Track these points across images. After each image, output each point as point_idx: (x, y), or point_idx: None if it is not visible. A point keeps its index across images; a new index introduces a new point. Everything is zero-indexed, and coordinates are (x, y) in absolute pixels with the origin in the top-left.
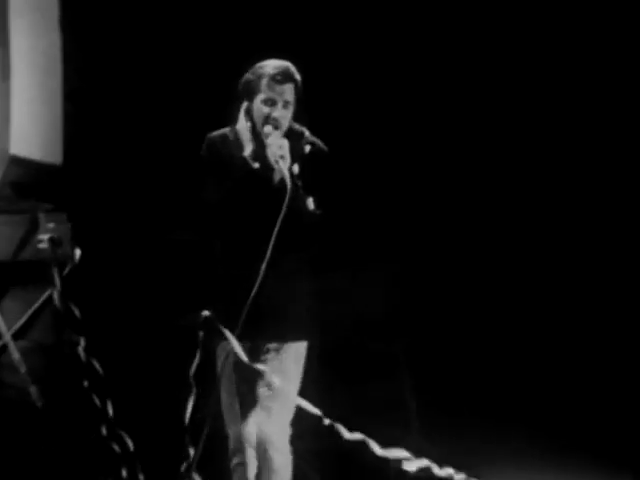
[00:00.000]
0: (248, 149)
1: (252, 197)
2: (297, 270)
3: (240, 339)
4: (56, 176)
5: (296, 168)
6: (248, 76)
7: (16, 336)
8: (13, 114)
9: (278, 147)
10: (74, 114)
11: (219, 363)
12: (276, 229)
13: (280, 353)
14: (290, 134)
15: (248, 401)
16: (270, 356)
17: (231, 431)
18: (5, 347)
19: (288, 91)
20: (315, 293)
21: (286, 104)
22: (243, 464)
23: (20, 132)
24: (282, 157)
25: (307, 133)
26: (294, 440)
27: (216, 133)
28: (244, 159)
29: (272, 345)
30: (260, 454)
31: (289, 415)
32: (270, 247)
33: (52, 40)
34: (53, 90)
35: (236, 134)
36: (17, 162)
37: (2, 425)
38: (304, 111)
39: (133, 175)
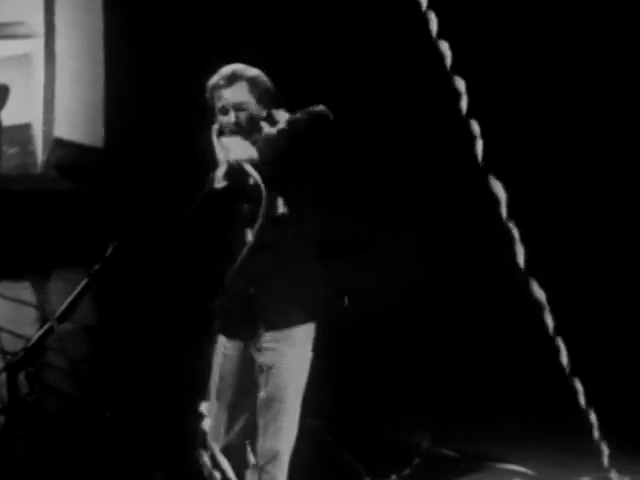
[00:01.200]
0: (222, 168)
1: (219, 214)
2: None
3: (234, 337)
4: (98, 158)
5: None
6: (206, 94)
7: (60, 318)
8: (57, 98)
9: (241, 151)
10: (117, 97)
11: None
12: (256, 226)
13: (279, 344)
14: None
15: (240, 410)
16: (269, 350)
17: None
18: (51, 329)
19: (237, 91)
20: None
21: (238, 107)
22: (215, 460)
23: (64, 115)
24: (248, 159)
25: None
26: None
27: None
28: (212, 178)
29: (269, 335)
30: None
31: (294, 424)
32: (250, 241)
33: (95, 24)
34: (96, 74)
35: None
36: (61, 144)
37: (47, 408)
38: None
39: (170, 160)
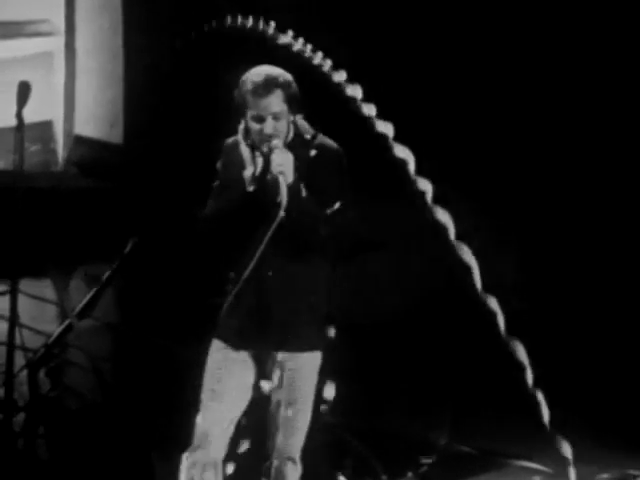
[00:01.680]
0: (249, 170)
1: (246, 219)
2: (308, 275)
3: (244, 347)
4: (118, 155)
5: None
6: (235, 93)
7: (80, 315)
8: (78, 95)
9: (278, 164)
10: (136, 95)
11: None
12: (266, 238)
13: (291, 364)
14: (295, 140)
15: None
16: (280, 369)
17: (201, 423)
18: (71, 326)
19: (274, 102)
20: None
21: (275, 116)
22: (200, 465)
23: (84, 113)
24: (281, 173)
25: (311, 136)
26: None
27: (230, 140)
28: (242, 180)
29: (281, 355)
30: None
31: (303, 434)
32: (257, 254)
33: (115, 22)
34: (116, 71)
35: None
36: (81, 141)
37: (70, 405)
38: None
39: (189, 157)
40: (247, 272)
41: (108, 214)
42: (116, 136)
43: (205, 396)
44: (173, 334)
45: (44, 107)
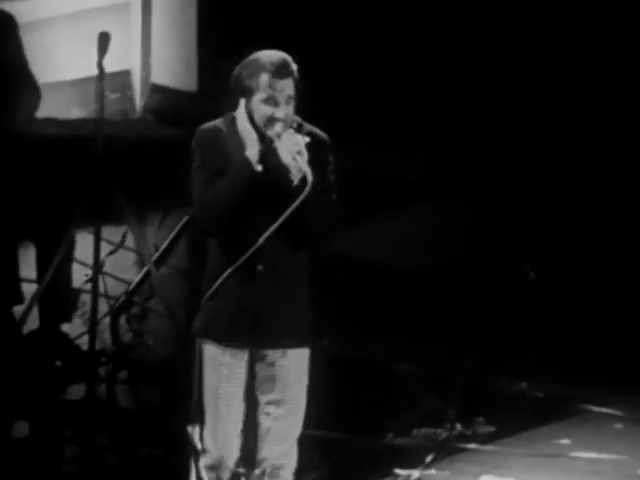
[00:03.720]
0: (253, 150)
1: (255, 200)
2: (297, 271)
3: (239, 346)
4: (193, 102)
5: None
6: (242, 72)
7: (157, 262)
8: (153, 44)
9: (293, 144)
10: (210, 42)
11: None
12: (283, 216)
13: (284, 362)
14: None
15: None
16: (273, 366)
17: (214, 447)
18: (149, 274)
19: (290, 85)
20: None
21: (288, 100)
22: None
23: (159, 62)
24: (299, 153)
25: (304, 124)
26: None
27: (207, 126)
28: (246, 161)
29: (275, 353)
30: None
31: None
32: (271, 230)
33: None
34: (189, 21)
35: (232, 131)
36: (157, 90)
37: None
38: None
39: None
40: (241, 260)
41: (184, 160)
42: (190, 83)
43: (210, 412)
44: None
45: (122, 57)
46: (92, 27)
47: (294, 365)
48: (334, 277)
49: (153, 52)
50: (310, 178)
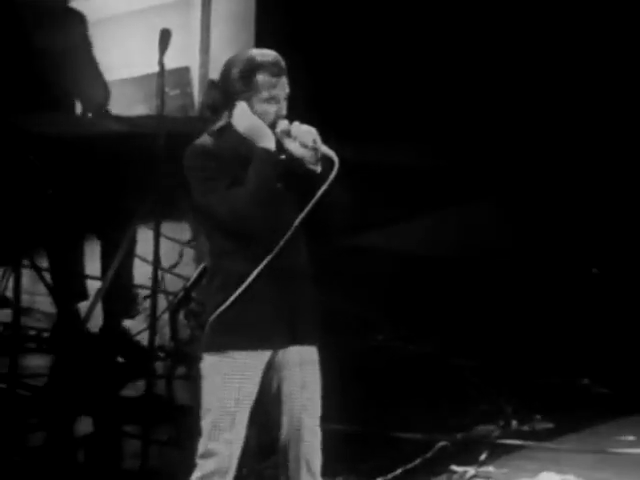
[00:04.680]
0: (271, 142)
1: (283, 188)
2: (307, 264)
3: (257, 346)
4: None
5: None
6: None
7: None
8: (212, 42)
9: (306, 134)
10: (267, 39)
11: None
12: (317, 195)
13: (299, 359)
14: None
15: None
16: (290, 364)
17: (222, 447)
18: (206, 270)
19: (285, 84)
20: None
21: (286, 97)
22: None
23: (218, 58)
24: (315, 141)
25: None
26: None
27: (198, 142)
28: (267, 150)
29: (291, 349)
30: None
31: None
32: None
33: None
34: (247, 19)
35: (224, 142)
36: (214, 86)
37: None
38: None
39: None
40: (270, 256)
41: None
42: None
43: (222, 420)
44: None
45: (182, 53)
46: (152, 24)
47: (315, 361)
48: (389, 273)
49: (212, 49)
50: (336, 158)
